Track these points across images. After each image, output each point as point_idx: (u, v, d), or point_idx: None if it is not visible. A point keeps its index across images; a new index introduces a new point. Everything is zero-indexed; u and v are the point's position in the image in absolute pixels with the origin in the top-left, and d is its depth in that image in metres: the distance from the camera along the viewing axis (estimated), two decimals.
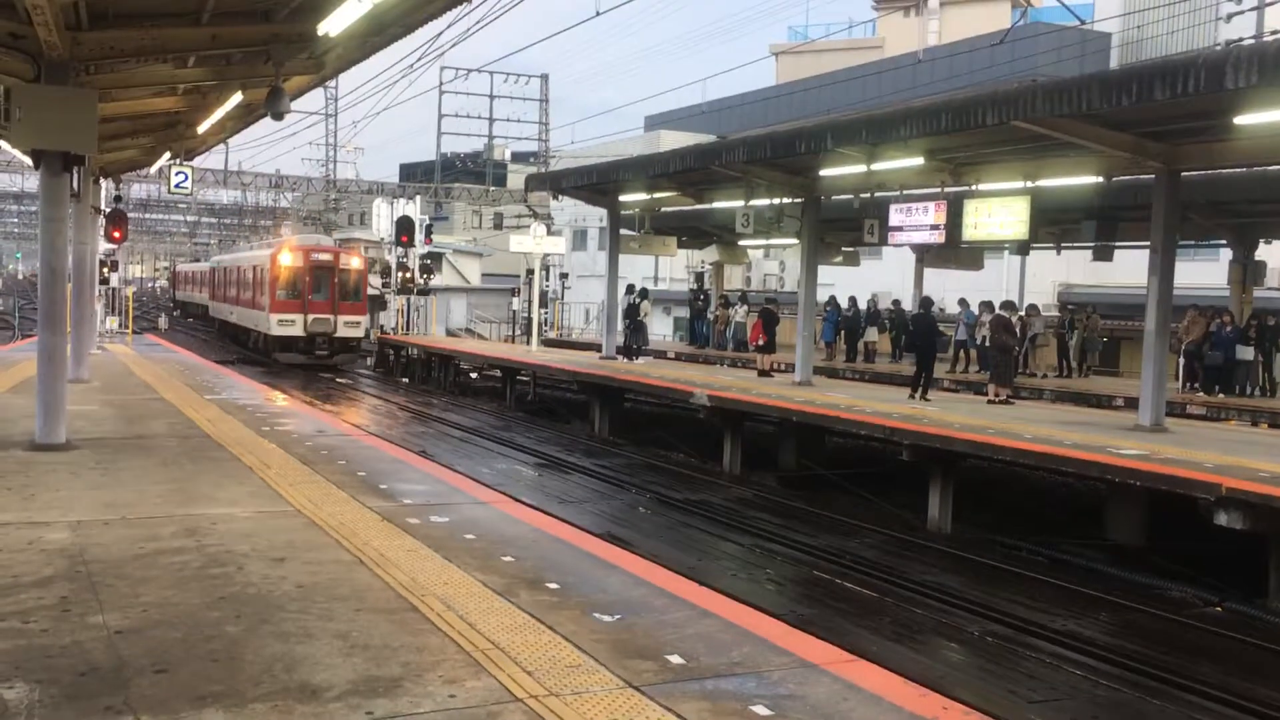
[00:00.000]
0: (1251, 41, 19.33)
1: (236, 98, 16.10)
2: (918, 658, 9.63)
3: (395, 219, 40.78)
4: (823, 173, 19.91)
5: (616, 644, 5.93)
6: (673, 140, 45.40)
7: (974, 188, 18.34)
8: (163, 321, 50.75)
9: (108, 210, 26.01)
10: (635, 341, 28.43)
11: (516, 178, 53.93)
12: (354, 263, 36.58)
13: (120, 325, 36.75)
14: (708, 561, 12.80)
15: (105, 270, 29.70)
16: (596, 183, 25.76)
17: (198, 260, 76.00)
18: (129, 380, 20.04)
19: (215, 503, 9.23)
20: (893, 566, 12.72)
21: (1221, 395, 21.61)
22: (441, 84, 53.22)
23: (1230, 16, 23.19)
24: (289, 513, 8.97)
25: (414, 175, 66.45)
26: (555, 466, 19.26)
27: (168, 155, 23.59)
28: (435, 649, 5.74)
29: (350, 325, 35.87)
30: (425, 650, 5.72)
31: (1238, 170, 18.59)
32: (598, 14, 19.42)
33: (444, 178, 57.01)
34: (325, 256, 36.03)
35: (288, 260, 35.29)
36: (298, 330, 34.91)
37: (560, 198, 34.91)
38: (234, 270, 44.57)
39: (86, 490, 9.59)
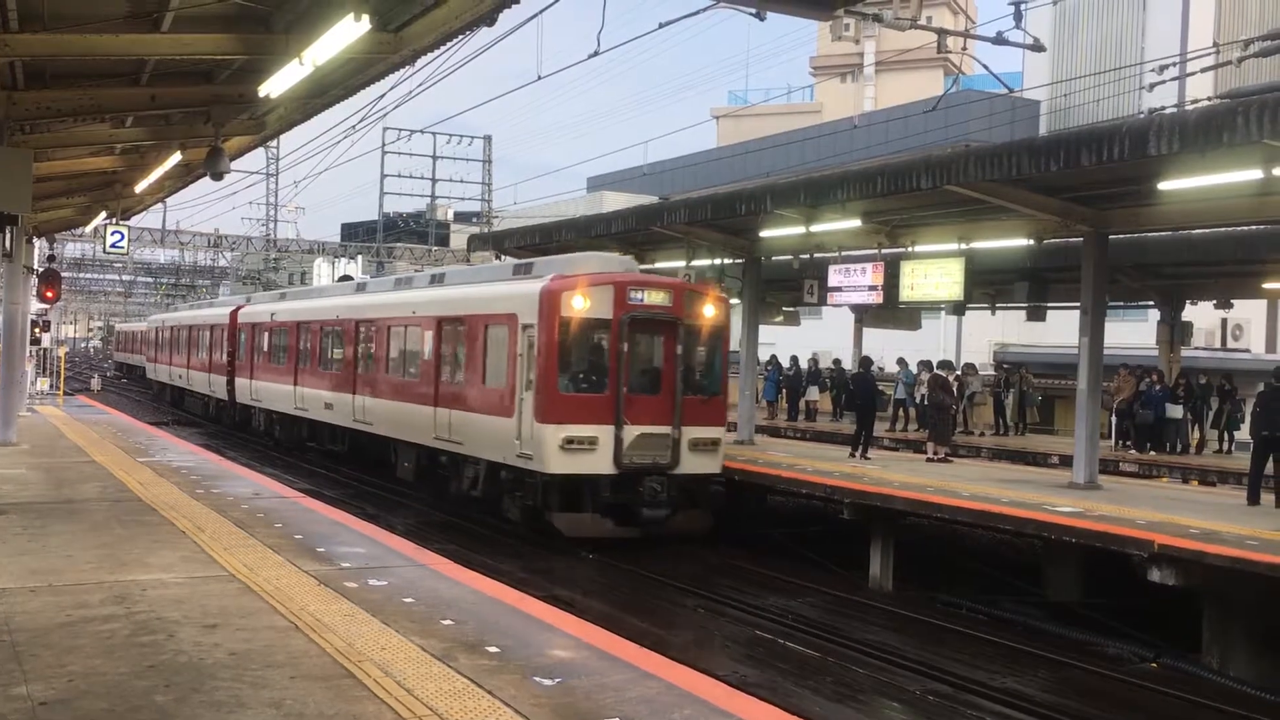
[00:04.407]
0: (1173, 110, 20.04)
1: (175, 157, 16.05)
2: (860, 718, 9.63)
3: (336, 278, 40.61)
4: (763, 234, 20.17)
5: (557, 708, 5.87)
6: (615, 201, 45.81)
7: (910, 249, 18.68)
8: (95, 383, 49.73)
9: (41, 270, 25.59)
10: None
11: (459, 237, 53.95)
12: (708, 310, 17.30)
13: (51, 386, 35.98)
14: (649, 622, 12.71)
15: (37, 330, 29.13)
16: (539, 243, 25.84)
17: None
18: (59, 443, 19.60)
19: (146, 568, 9.03)
20: (834, 625, 12.73)
21: (1153, 453, 22.05)
22: (384, 144, 53.28)
23: (1153, 86, 23.97)
24: (223, 577, 8.80)
25: (356, 235, 66.22)
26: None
27: (104, 214, 23.37)
28: (372, 716, 5.64)
29: (703, 449, 16.85)
30: (362, 718, 5.62)
31: (1163, 234, 19.16)
32: (540, 78, 19.60)
33: (386, 237, 56.87)
34: (659, 298, 16.84)
35: (581, 305, 16.21)
36: (602, 462, 16.00)
37: (503, 258, 34.47)
38: (346, 325, 23.80)
39: (12, 557, 9.33)
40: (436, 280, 21.88)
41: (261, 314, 30.66)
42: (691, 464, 16.60)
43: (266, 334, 29.57)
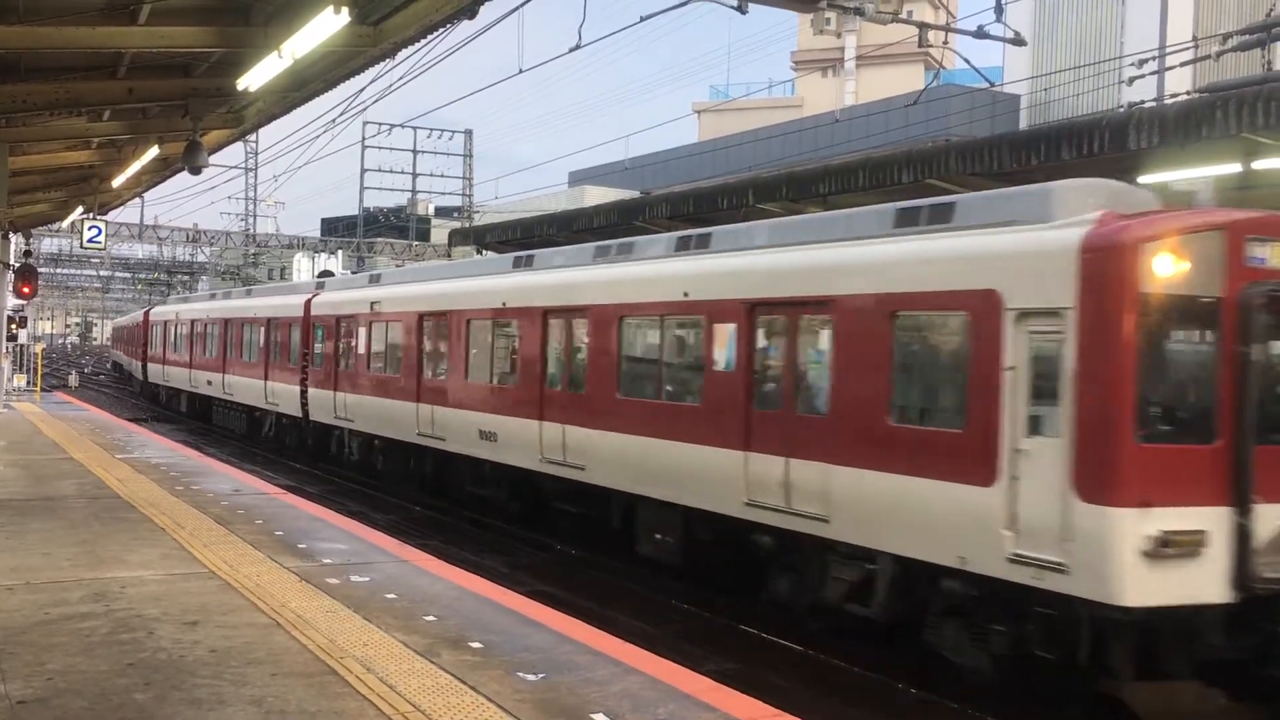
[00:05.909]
0: (1153, 104, 20.12)
1: (153, 151, 15.94)
2: (844, 709, 9.63)
3: (316, 274, 40.42)
4: None
5: (540, 704, 5.85)
6: (597, 195, 45.69)
7: None
8: (73, 379, 49.35)
9: (17, 265, 25.37)
10: None
11: (440, 232, 53.73)
12: None
13: (28, 383, 35.69)
14: (628, 616, 12.66)
15: (14, 326, 28.90)
16: (521, 237, 25.80)
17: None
18: (37, 439, 19.45)
19: (125, 565, 8.96)
20: (817, 616, 12.68)
21: None
22: (364, 139, 53.07)
23: (1132, 80, 24.14)
24: (203, 574, 8.74)
25: (336, 229, 65.88)
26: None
27: (81, 209, 23.21)
28: (354, 713, 5.61)
29: None
30: (344, 715, 5.59)
31: None
32: (520, 71, 19.53)
33: (367, 232, 56.61)
34: None
35: (1172, 270, 8.09)
36: (1210, 580, 7.95)
37: (485, 253, 34.12)
38: (525, 318, 15.63)
39: None
40: (697, 245, 13.13)
41: (352, 303, 21.93)
42: None
43: (364, 330, 21.24)
